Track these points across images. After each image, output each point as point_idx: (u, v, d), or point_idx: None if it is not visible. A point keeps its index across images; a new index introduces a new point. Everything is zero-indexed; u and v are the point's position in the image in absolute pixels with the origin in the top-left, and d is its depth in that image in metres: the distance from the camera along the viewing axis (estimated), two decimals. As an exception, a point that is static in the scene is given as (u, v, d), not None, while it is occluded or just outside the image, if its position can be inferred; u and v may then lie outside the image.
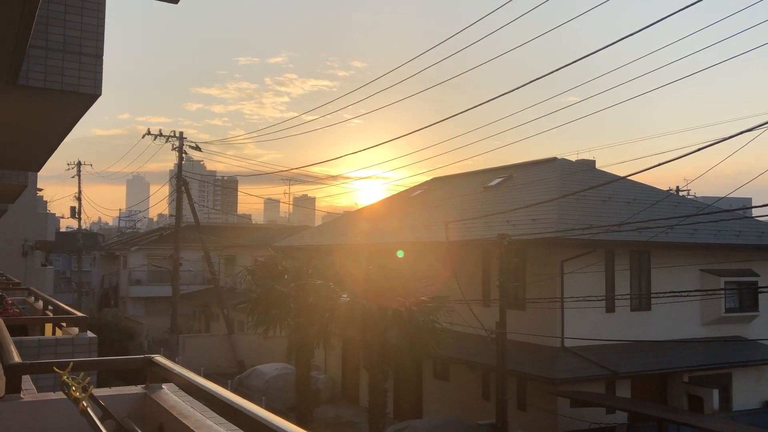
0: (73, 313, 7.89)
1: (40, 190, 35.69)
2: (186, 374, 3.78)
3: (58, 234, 50.10)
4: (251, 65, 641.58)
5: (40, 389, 4.87)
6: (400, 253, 21.09)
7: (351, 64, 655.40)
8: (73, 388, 3.20)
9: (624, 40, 11.11)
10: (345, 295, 17.50)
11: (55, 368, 3.50)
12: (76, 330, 7.29)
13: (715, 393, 18.69)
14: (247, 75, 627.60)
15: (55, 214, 47.00)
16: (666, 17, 10.49)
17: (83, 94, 6.59)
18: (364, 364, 18.44)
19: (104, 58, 6.71)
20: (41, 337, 7.38)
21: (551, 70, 12.12)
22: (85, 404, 3.03)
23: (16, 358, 4.22)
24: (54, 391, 4.10)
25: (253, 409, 2.90)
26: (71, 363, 3.44)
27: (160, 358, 4.19)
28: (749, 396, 20.61)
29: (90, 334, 7.16)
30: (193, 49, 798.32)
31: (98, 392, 3.99)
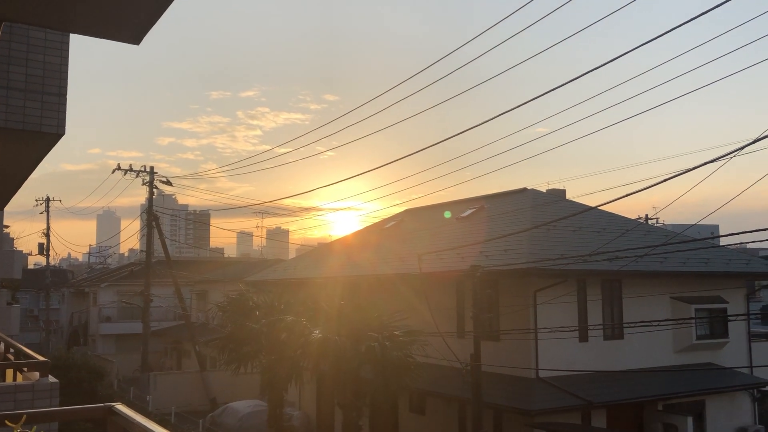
0: (35, 357, 7.67)
1: (7, 227, 35.00)
2: (147, 425, 3.66)
3: (26, 271, 49.01)
4: (223, 99, 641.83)
5: (-4, 440, 4.68)
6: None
7: (323, 98, 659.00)
8: (26, 444, 3.08)
9: (593, 72, 11.30)
10: (317, 331, 17.30)
11: (7, 421, 3.37)
12: (37, 375, 7.07)
13: (690, 420, 18.73)
14: (219, 109, 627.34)
15: (22, 251, 46.00)
16: (632, 50, 10.71)
17: (46, 133, 6.49)
18: (337, 401, 18.18)
19: (74, 91, 6.66)
20: None
21: (520, 103, 12.27)
22: (36, 461, 2.91)
23: (-31, 411, 4.05)
24: (9, 444, 3.95)
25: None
26: (24, 416, 3.31)
27: (120, 407, 4.06)
28: (723, 423, 20.70)
29: (51, 379, 6.95)
30: (164, 84, 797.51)
31: (55, 444, 3.84)
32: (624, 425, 19.16)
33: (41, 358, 7.41)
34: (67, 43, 6.68)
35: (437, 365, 18.76)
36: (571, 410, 17.48)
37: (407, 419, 21.92)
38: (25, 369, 7.53)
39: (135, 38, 4.17)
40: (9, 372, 7.93)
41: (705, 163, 11.59)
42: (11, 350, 8.88)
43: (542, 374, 17.96)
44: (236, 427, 24.54)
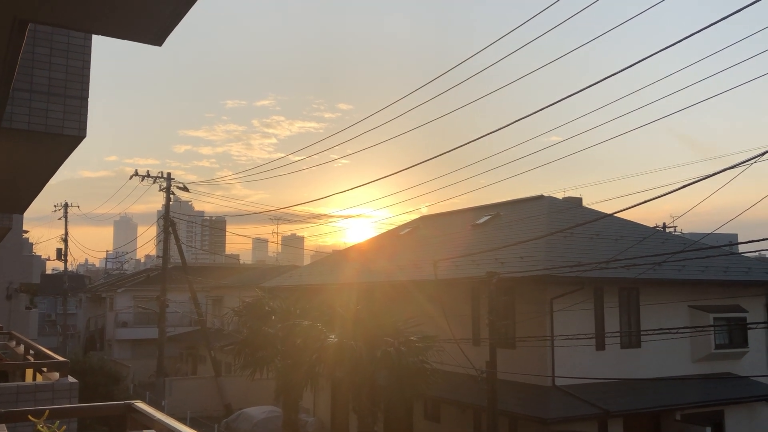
0: (54, 358, 7.74)
1: (26, 232, 35.39)
2: (167, 421, 3.68)
3: (44, 276, 49.51)
4: (239, 108, 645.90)
5: (17, 438, 4.73)
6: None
7: (337, 107, 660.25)
8: (48, 438, 3.11)
9: (608, 79, 11.26)
10: (333, 336, 17.32)
11: (30, 416, 3.40)
12: (56, 375, 7.13)
13: (708, 431, 18.50)
14: (235, 117, 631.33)
15: (41, 256, 46.48)
16: (646, 58, 10.67)
17: (68, 136, 6.56)
18: (353, 407, 18.16)
19: (91, 100, 6.71)
20: (20, 383, 7.21)
21: (535, 110, 12.25)
22: (59, 455, 2.94)
23: (-9, 407, 4.09)
24: (30, 441, 3.99)
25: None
26: (47, 411, 3.35)
27: (140, 405, 4.09)
28: (742, 433, 20.42)
29: (71, 379, 7.00)
30: (180, 93, 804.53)
31: (76, 441, 3.88)
32: (641, 435, 18.96)
33: (61, 359, 7.48)
34: (89, 47, 6.76)
35: (452, 372, 18.69)
36: (587, 419, 17.33)
37: (422, 426, 21.85)
38: (45, 369, 7.60)
39: (157, 39, 4.22)
40: (29, 372, 8.00)
41: (724, 170, 11.49)
42: (31, 351, 8.97)
43: (558, 382, 17.84)
44: (251, 433, 24.58)
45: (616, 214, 19.06)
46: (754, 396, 20.25)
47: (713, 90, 14.35)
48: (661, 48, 10.34)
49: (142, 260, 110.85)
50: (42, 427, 3.13)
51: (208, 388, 33.07)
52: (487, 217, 26.01)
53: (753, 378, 20.47)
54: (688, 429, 18.85)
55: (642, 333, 19.19)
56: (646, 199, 13.10)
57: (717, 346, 20.51)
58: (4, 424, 4.10)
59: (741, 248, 28.57)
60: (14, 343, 11.13)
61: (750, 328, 20.58)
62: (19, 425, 4.90)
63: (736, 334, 20.99)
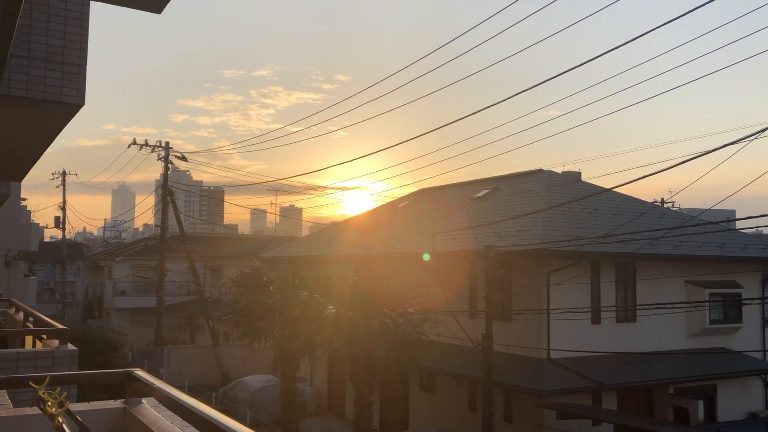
0: (54, 325, 7.78)
1: (24, 199, 35.32)
2: (166, 389, 3.71)
3: (42, 244, 49.52)
4: (236, 78, 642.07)
5: (18, 404, 4.78)
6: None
7: (335, 78, 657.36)
8: (49, 404, 3.13)
9: (608, 53, 11.17)
10: (331, 307, 17.41)
11: (30, 383, 3.42)
12: (56, 342, 7.18)
13: (701, 404, 18.73)
14: (233, 87, 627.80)
15: (39, 224, 46.43)
16: (647, 32, 10.57)
17: (66, 103, 6.52)
18: (350, 377, 18.33)
19: (89, 68, 6.65)
20: (20, 350, 7.26)
21: (535, 84, 12.16)
22: (60, 420, 2.96)
23: (-8, 373, 4.12)
24: (31, 406, 4.03)
25: (233, 425, 2.84)
26: (47, 378, 3.37)
27: (140, 373, 4.12)
28: (734, 407, 20.69)
29: (71, 346, 7.05)
30: (178, 62, 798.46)
31: (76, 407, 3.92)
32: (634, 408, 19.20)
33: (60, 326, 7.52)
34: (87, 13, 6.67)
35: (449, 344, 18.83)
36: (581, 392, 17.52)
37: (418, 396, 22.09)
38: (44, 336, 7.65)
39: (157, 7, 4.18)
40: (28, 339, 8.06)
41: (724, 146, 11.47)
42: (30, 319, 9.01)
43: (554, 355, 18.00)
44: (248, 402, 24.83)
45: (614, 189, 19.08)
46: (747, 371, 20.48)
47: (714, 65, 14.26)
48: (663, 22, 10.25)
49: (140, 229, 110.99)
50: (43, 393, 3.15)
51: (206, 357, 33.34)
52: (485, 191, 26.00)
53: (746, 353, 20.68)
54: (680, 402, 19.08)
55: (638, 307, 19.31)
56: (645, 174, 13.07)
57: (712, 321, 20.68)
58: (4, 390, 4.13)
59: (738, 224, 28.67)
60: (13, 310, 11.18)
61: (745, 304, 20.75)
62: (19, 391, 4.95)
63: (730, 310, 21.15)
